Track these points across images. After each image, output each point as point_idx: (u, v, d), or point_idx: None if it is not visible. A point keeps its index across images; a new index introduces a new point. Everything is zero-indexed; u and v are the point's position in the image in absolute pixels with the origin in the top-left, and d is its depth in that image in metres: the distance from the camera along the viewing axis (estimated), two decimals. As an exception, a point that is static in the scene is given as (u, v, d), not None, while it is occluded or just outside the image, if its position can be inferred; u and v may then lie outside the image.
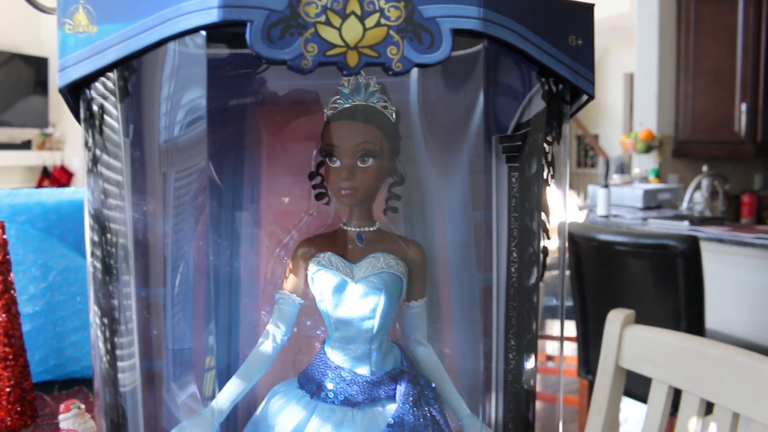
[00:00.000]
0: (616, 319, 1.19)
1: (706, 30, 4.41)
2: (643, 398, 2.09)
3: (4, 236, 1.05)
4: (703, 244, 2.36)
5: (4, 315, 1.05)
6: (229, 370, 0.48)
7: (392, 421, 0.45)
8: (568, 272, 2.41)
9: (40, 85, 6.95)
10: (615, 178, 4.15)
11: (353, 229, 0.48)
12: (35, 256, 1.22)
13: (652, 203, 3.29)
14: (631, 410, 2.61)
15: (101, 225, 0.49)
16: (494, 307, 0.53)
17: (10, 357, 1.06)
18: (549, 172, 0.49)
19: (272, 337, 0.47)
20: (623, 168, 4.57)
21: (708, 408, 1.04)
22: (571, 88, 0.53)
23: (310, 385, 0.48)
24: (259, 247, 0.50)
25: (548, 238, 0.49)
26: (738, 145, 4.28)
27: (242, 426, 0.49)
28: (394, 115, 0.46)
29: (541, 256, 0.49)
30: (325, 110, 0.47)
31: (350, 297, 0.46)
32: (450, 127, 0.54)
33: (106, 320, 0.50)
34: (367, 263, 0.47)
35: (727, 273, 2.57)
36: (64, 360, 1.24)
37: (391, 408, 0.46)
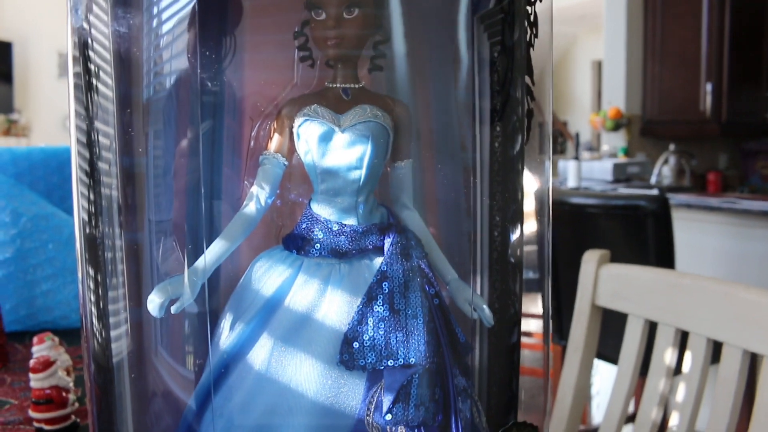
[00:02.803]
0: (591, 258, 1.20)
1: (672, 13, 4.48)
2: (614, 360, 2.12)
3: (-27, 174, 1.03)
4: (673, 212, 2.40)
5: (-27, 255, 1.02)
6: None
7: (379, 272, 0.45)
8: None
9: (5, 70, 6.78)
10: (584, 154, 4.21)
11: (338, 86, 0.47)
12: (5, 202, 1.19)
13: (621, 176, 3.34)
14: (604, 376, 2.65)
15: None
16: (478, 184, 0.53)
17: (-19, 298, 1.04)
18: (532, 33, 0.49)
19: (256, 198, 0.47)
20: (591, 148, 4.63)
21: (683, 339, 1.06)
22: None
23: (296, 242, 0.47)
24: (242, 118, 0.50)
25: (533, 99, 0.49)
26: (703, 124, 4.36)
27: (225, 302, 0.49)
28: None
29: (526, 120, 0.50)
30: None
31: (337, 146, 0.46)
32: (430, 8, 0.54)
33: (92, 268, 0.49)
34: (353, 113, 0.46)
35: (695, 239, 2.62)
36: (34, 309, 1.22)
37: (379, 260, 0.46)
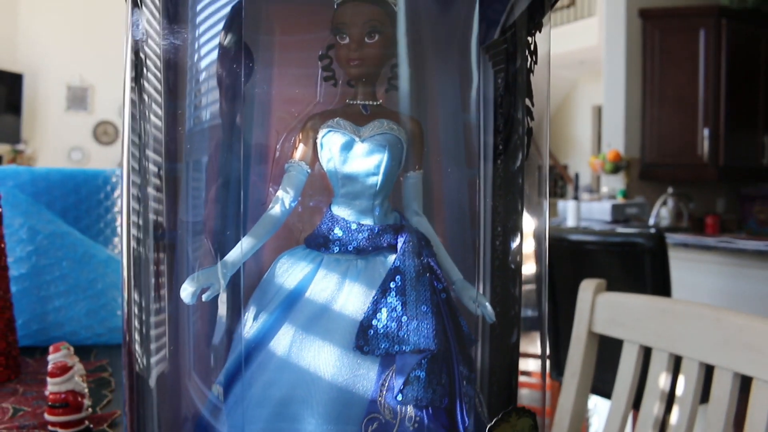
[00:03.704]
0: (588, 287, 1.24)
1: (670, 58, 4.60)
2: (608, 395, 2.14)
3: (-4, 190, 1.07)
4: (670, 251, 2.44)
5: (-7, 267, 1.06)
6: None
7: (392, 267, 0.49)
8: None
9: (14, 102, 6.89)
10: (584, 196, 4.27)
11: (359, 102, 0.52)
12: (23, 219, 1.24)
13: (620, 217, 3.39)
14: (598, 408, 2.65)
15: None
16: (481, 197, 0.57)
17: (-2, 309, 1.07)
18: (532, 60, 0.54)
19: (281, 201, 0.51)
20: (591, 190, 4.70)
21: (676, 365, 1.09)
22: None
23: (317, 240, 0.52)
24: (269, 130, 0.54)
25: (532, 119, 0.54)
26: (701, 168, 4.43)
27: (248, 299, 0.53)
28: (395, 5, 0.52)
29: (526, 138, 0.55)
30: (335, 0, 0.52)
31: (357, 154, 0.51)
32: (441, 38, 0.59)
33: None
34: (372, 125, 0.51)
35: (692, 278, 2.65)
36: (46, 325, 1.25)
37: (392, 257, 0.50)
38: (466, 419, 0.47)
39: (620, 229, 2.95)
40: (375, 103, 0.53)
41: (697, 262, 2.65)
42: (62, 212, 1.34)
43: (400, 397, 0.47)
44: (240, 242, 0.49)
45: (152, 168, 0.52)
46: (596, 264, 2.16)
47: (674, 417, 1.06)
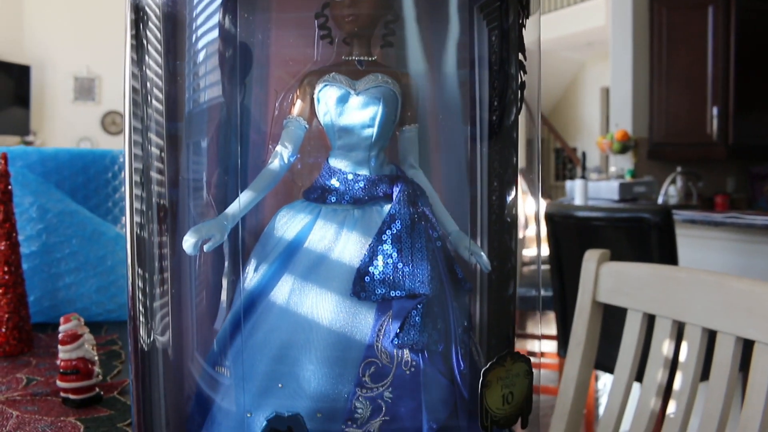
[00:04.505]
0: (592, 257, 1.25)
1: (678, 36, 4.55)
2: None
3: (6, 167, 1.09)
4: (678, 228, 2.43)
5: (4, 243, 1.08)
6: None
7: (388, 215, 0.50)
8: (546, 252, 2.47)
9: (22, 94, 6.93)
10: (592, 176, 4.26)
11: (354, 58, 0.53)
12: (33, 198, 1.26)
13: (628, 196, 3.38)
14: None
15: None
16: (477, 154, 0.58)
17: (9, 284, 1.09)
18: (523, 14, 0.55)
19: (280, 156, 0.53)
20: (599, 170, 4.68)
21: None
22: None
23: (315, 192, 0.53)
24: (268, 90, 0.55)
25: (525, 72, 0.55)
26: (710, 147, 4.40)
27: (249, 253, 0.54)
28: None
29: (519, 92, 0.55)
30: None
31: (352, 107, 0.52)
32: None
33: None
34: (367, 79, 0.52)
35: (700, 255, 2.65)
36: (57, 302, 1.27)
37: (388, 207, 0.51)
38: (462, 364, 0.49)
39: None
40: (370, 58, 0.54)
41: (705, 239, 2.64)
42: (71, 192, 1.36)
43: (396, 341, 0.48)
44: (240, 195, 0.51)
45: (155, 127, 0.53)
46: (603, 240, 2.16)
47: (677, 383, 1.07)
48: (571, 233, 2.27)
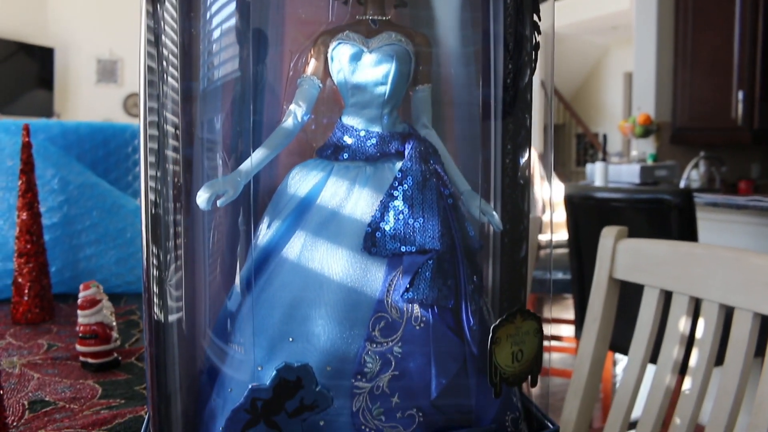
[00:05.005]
0: (609, 234, 1.24)
1: (703, 19, 4.47)
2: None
3: (28, 138, 1.11)
4: (699, 212, 2.40)
5: (26, 213, 1.10)
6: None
7: (400, 171, 0.51)
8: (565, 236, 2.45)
9: (46, 76, 7.01)
10: (614, 160, 4.21)
11: (368, 17, 0.53)
12: (54, 170, 1.27)
13: (649, 179, 3.34)
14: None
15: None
16: (492, 116, 0.58)
17: (32, 253, 1.11)
18: (538, -25, 0.54)
19: (294, 114, 0.53)
20: (621, 155, 4.62)
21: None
22: None
23: (328, 150, 0.53)
24: (283, 50, 0.56)
25: (539, 33, 0.54)
26: (735, 131, 4.33)
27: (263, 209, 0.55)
28: None
29: (534, 53, 0.55)
30: None
31: (365, 64, 0.52)
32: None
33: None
34: (380, 37, 0.52)
35: (722, 239, 2.62)
36: (78, 272, 1.29)
37: (400, 163, 0.52)
38: (471, 320, 0.49)
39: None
40: (384, 18, 0.53)
41: (728, 223, 2.61)
42: (92, 165, 1.38)
43: (406, 296, 0.48)
44: (254, 152, 0.51)
45: (171, 93, 0.53)
46: (623, 222, 2.14)
47: (693, 360, 1.06)
48: (590, 215, 2.26)
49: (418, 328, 0.48)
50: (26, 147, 1.10)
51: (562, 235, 3.98)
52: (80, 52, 7.29)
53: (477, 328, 0.48)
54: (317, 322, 0.48)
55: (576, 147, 9.23)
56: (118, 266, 1.31)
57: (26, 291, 1.11)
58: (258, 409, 0.42)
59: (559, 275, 3.12)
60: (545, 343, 0.53)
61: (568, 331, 4.46)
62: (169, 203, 0.52)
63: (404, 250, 0.49)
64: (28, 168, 1.10)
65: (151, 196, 0.52)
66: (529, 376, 0.50)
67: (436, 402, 0.47)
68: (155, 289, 0.53)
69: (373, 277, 0.49)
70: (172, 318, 0.53)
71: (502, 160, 0.57)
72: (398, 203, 0.49)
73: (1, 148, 1.27)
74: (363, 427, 0.47)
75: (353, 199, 0.51)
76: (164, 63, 0.52)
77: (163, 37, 0.52)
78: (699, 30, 4.47)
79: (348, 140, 0.52)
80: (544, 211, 4.15)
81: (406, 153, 0.51)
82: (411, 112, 0.55)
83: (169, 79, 0.53)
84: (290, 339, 0.48)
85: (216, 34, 0.54)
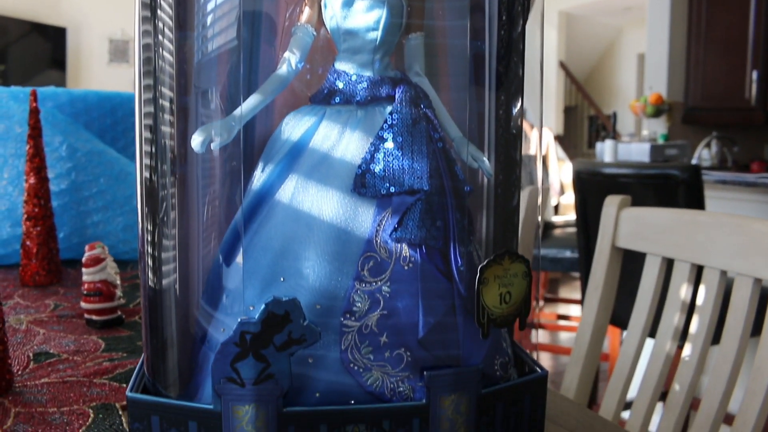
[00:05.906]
0: (612, 202, 1.24)
1: (718, -2, 4.41)
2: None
3: (36, 104, 1.12)
4: (709, 189, 2.39)
5: (34, 177, 1.12)
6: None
7: (390, 113, 0.51)
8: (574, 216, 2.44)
9: (59, 56, 7.03)
10: (625, 139, 4.18)
11: None
12: (62, 137, 1.29)
13: (659, 158, 3.32)
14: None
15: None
16: (486, 68, 0.58)
17: (39, 217, 1.13)
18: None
19: (288, 61, 0.53)
20: (632, 134, 4.59)
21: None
22: None
23: (321, 95, 0.54)
24: (279, 1, 0.56)
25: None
26: (748, 112, 4.29)
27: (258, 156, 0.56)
28: None
29: (526, 3, 0.55)
30: None
31: (357, 10, 0.52)
32: None
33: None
34: None
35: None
36: (85, 239, 1.31)
37: (391, 108, 0.52)
38: (459, 260, 0.49)
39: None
40: None
41: (738, 201, 2.60)
42: (99, 133, 1.39)
43: (394, 236, 0.49)
44: (248, 98, 0.52)
45: (166, 42, 0.54)
46: (630, 196, 2.13)
47: (693, 326, 1.07)
48: (598, 191, 2.25)
49: (406, 268, 0.49)
50: (34, 112, 1.11)
51: (572, 216, 3.98)
52: (92, 32, 7.31)
53: (465, 269, 0.49)
54: (307, 262, 0.49)
55: (588, 129, 9.17)
56: (125, 233, 1.33)
57: (34, 253, 1.13)
58: (247, 343, 0.43)
59: (567, 254, 3.11)
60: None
61: (576, 311, 4.48)
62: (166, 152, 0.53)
63: (393, 191, 0.50)
64: (35, 133, 1.12)
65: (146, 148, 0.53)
66: (518, 319, 0.50)
67: (424, 341, 0.48)
68: (149, 226, 0.54)
69: (363, 218, 0.50)
70: (166, 255, 0.54)
71: (495, 111, 0.57)
72: (388, 145, 0.50)
73: (9, 116, 1.28)
74: (351, 365, 0.48)
75: (344, 142, 0.52)
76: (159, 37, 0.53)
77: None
78: (713, 8, 4.42)
79: (339, 85, 0.53)
80: (562, 192, 4.14)
81: (397, 97, 0.51)
82: (404, 61, 0.56)
83: (165, 53, 0.54)
84: (281, 279, 0.49)
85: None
